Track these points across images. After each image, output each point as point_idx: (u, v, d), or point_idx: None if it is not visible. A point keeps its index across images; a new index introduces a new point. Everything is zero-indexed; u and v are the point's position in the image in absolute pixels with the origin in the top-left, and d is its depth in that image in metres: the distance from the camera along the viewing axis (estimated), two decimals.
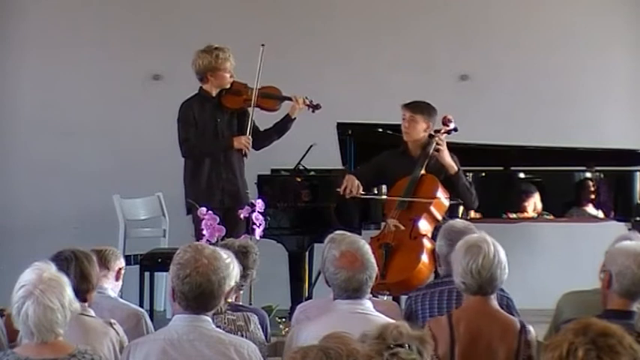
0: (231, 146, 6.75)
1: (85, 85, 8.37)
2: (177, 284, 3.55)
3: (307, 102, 6.86)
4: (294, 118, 6.84)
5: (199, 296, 3.54)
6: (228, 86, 6.83)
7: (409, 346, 2.80)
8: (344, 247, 3.95)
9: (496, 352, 3.71)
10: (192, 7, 8.41)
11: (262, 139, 6.89)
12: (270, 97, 6.86)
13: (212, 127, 6.80)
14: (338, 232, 4.14)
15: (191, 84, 6.88)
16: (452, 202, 6.46)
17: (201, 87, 6.84)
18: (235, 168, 6.79)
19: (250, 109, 6.80)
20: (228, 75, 6.79)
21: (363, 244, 4.01)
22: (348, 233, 4.11)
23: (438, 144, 6.45)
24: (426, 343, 2.83)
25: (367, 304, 3.91)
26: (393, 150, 6.64)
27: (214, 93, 6.83)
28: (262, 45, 6.73)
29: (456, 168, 6.47)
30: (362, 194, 6.50)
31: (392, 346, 2.78)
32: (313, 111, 6.89)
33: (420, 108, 6.54)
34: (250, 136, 6.75)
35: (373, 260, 3.97)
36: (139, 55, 8.33)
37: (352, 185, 6.48)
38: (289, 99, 6.87)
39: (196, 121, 6.77)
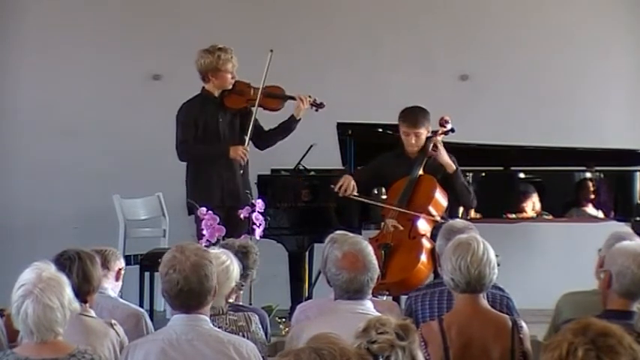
0: (227, 154, 6.67)
1: (85, 85, 8.36)
2: (161, 283, 3.60)
3: (311, 101, 6.83)
4: (299, 119, 6.80)
5: (179, 294, 3.55)
6: (229, 87, 6.79)
7: (397, 335, 2.80)
8: (346, 248, 3.95)
9: (491, 352, 3.70)
10: (192, 7, 8.40)
11: (267, 140, 6.86)
12: (274, 97, 6.82)
13: (214, 127, 6.76)
14: (339, 232, 4.14)
15: (191, 84, 6.87)
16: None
17: (203, 87, 6.82)
18: (235, 167, 6.74)
19: (253, 109, 6.74)
20: (229, 76, 6.74)
21: (365, 245, 4.00)
22: (350, 233, 4.12)
23: (435, 145, 6.45)
24: (409, 330, 2.82)
25: (368, 304, 3.92)
26: (391, 152, 6.64)
27: (216, 93, 6.80)
28: (271, 51, 6.68)
29: (454, 167, 6.47)
30: (355, 195, 6.48)
31: (374, 338, 2.79)
32: (317, 110, 6.85)
33: (420, 121, 6.46)
34: (248, 147, 6.66)
35: (375, 262, 3.98)
36: (139, 55, 8.33)
37: (347, 185, 6.48)
38: (293, 98, 6.82)
39: (197, 123, 6.72)
